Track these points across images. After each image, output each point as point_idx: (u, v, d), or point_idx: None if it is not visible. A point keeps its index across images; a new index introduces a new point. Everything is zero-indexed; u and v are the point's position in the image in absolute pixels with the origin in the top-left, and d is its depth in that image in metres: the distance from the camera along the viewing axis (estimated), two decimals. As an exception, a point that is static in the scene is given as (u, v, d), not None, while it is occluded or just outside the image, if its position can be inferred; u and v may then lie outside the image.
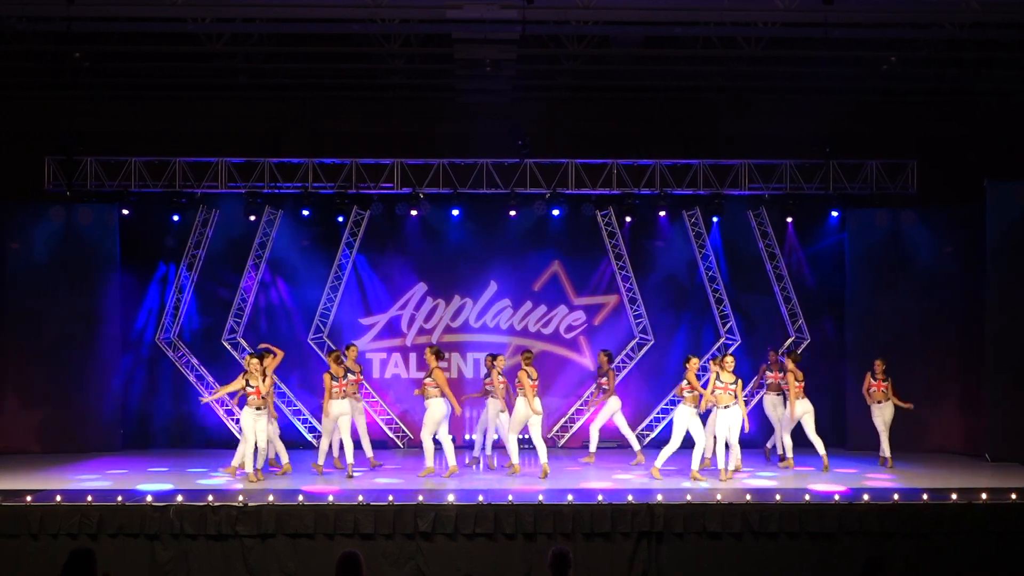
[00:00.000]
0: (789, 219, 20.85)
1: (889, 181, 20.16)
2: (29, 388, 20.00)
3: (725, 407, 16.31)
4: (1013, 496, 14.05)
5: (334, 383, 16.78)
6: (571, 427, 21.11)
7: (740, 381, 16.46)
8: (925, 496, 13.98)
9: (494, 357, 17.95)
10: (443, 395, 16.51)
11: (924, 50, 18.16)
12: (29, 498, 13.75)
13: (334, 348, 18.78)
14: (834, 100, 20.41)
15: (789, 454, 17.69)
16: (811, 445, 17.49)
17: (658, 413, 20.99)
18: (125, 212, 20.24)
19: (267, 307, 21.25)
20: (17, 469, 17.36)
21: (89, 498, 13.65)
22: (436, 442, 16.79)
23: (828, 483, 15.82)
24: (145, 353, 20.96)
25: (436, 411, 16.54)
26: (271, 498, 13.61)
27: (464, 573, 13.09)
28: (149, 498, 13.59)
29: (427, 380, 16.61)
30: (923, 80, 19.99)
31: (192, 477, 16.61)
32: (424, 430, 16.71)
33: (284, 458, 17.03)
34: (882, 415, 17.95)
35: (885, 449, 17.94)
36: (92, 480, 16.40)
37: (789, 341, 20.70)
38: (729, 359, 16.47)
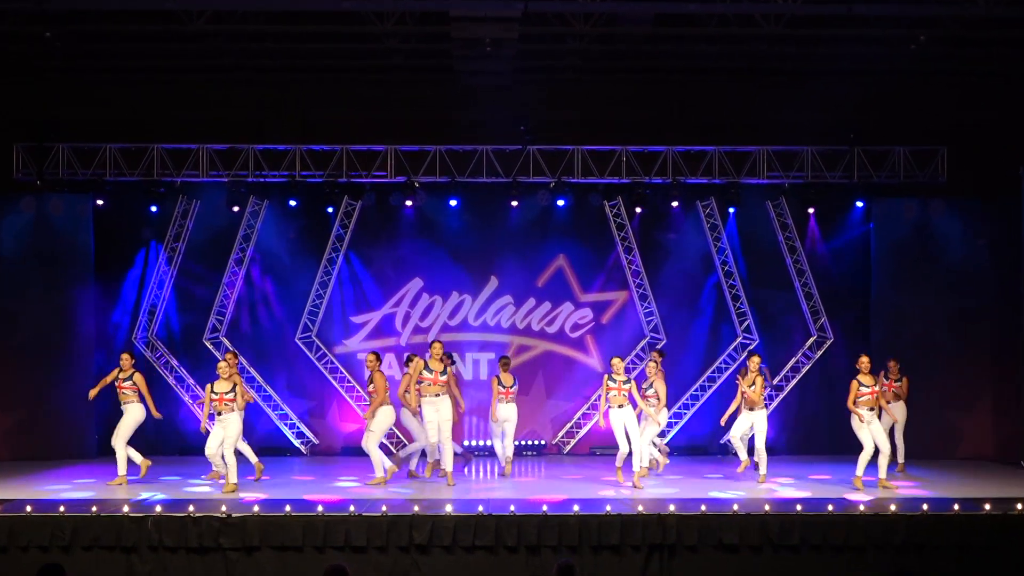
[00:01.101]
0: (811, 210, 20.82)
1: (917, 169, 20.13)
2: (-1, 390, 20.01)
3: (750, 409, 17.07)
4: (1051, 506, 14.02)
5: (213, 395, 16.64)
6: (577, 432, 21.10)
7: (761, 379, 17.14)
8: (956, 506, 13.93)
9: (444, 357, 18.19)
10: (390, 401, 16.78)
11: (955, 28, 18.11)
12: (-3, 508, 13.75)
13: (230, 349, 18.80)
14: (859, 83, 20.34)
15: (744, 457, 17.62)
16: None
17: (671, 417, 20.93)
18: (100, 202, 20.23)
19: (251, 304, 21.24)
20: (-16, 477, 17.37)
21: (62, 508, 13.61)
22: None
23: (853, 492, 15.79)
24: (133, 353, 20.89)
25: (383, 419, 16.71)
26: (256, 508, 13.58)
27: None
28: (126, 508, 13.56)
29: (369, 388, 16.76)
30: (954, 61, 19.94)
31: (170, 486, 16.55)
32: (371, 438, 16.69)
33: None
34: (891, 416, 17.98)
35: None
36: (64, 489, 16.36)
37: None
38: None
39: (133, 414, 16.85)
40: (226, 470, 15.95)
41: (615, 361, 16.70)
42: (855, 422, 16.24)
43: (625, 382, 16.45)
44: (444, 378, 16.38)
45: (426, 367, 16.34)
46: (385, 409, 16.68)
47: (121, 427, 16.81)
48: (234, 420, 15.97)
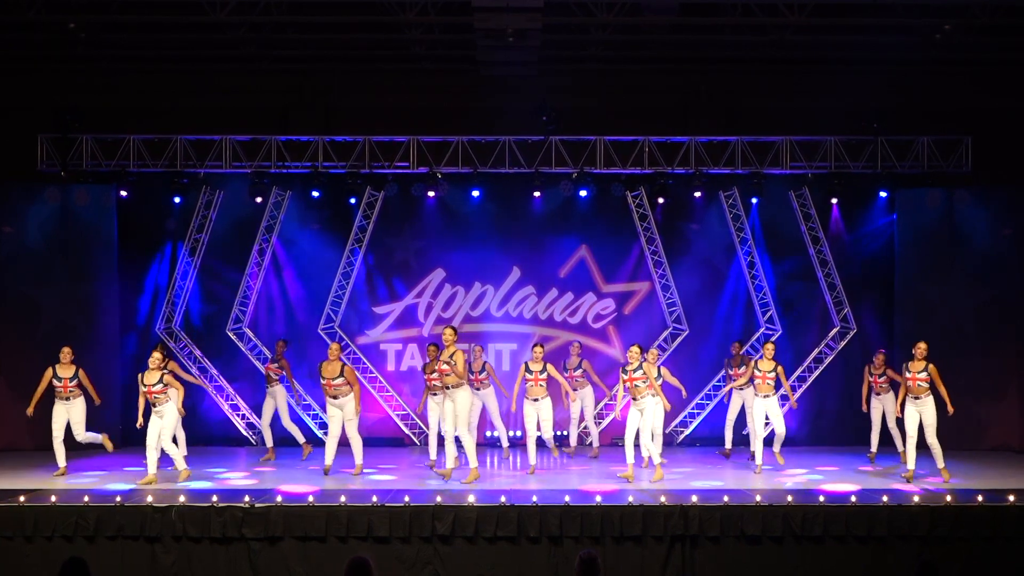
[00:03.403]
0: (834, 200, 20.75)
1: (942, 159, 20.04)
2: (22, 380, 19.98)
3: (764, 396, 17.27)
4: (1076, 498, 13.98)
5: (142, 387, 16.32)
6: (600, 423, 21.07)
7: (781, 368, 17.40)
8: (980, 497, 13.91)
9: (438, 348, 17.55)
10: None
11: (981, 16, 18.03)
12: (22, 498, 13.83)
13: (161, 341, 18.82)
14: (883, 72, 20.29)
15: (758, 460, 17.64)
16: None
17: (693, 408, 20.94)
18: (123, 193, 20.29)
19: (275, 295, 21.28)
20: (9, 467, 17.50)
21: (86, 498, 13.72)
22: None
23: (876, 483, 15.78)
24: (145, 344, 20.98)
25: (352, 408, 16.85)
26: (279, 499, 13.65)
27: (485, 579, 13.15)
28: (150, 498, 13.64)
29: (337, 380, 16.72)
30: (979, 50, 19.84)
31: (195, 475, 16.63)
32: (355, 424, 16.89)
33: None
34: (882, 407, 18.00)
35: (874, 443, 18.30)
36: (89, 479, 16.48)
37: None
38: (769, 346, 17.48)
39: (82, 409, 17.01)
40: (174, 459, 16.16)
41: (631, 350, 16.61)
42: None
43: (636, 370, 16.35)
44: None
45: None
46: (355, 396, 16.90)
47: (76, 427, 16.97)
48: (170, 410, 16.11)
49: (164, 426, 16.03)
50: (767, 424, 17.86)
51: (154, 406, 16.05)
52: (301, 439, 18.69)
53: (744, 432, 19.39)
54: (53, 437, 16.95)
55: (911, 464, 16.25)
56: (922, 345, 16.29)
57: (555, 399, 17.96)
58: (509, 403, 18.16)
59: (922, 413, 16.26)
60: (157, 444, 15.97)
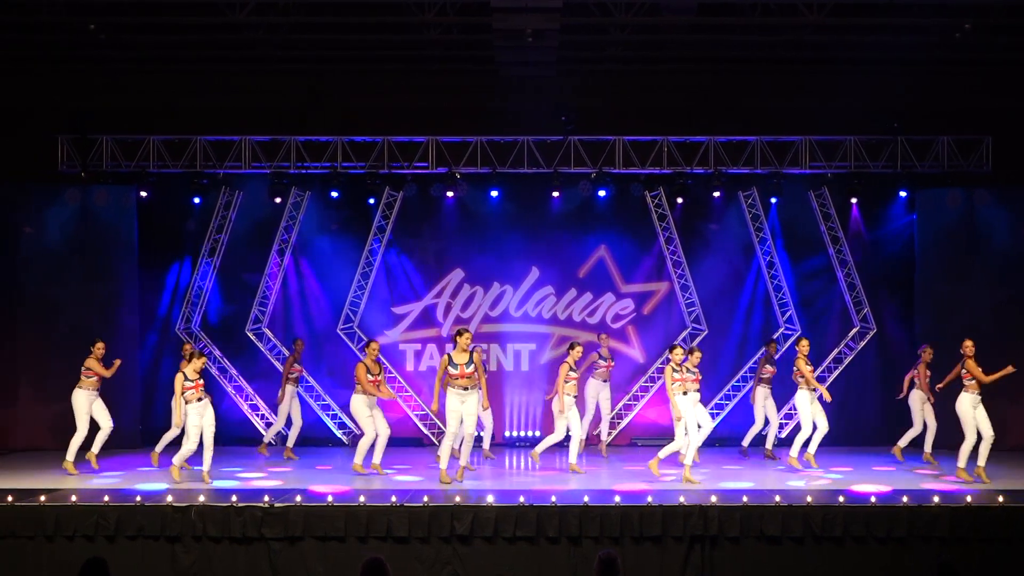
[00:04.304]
0: (854, 200, 20.70)
1: (962, 158, 19.98)
2: (43, 381, 20.12)
3: (813, 390, 17.41)
4: (1098, 498, 13.90)
5: (187, 383, 16.04)
6: (619, 423, 21.06)
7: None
8: (1001, 498, 13.84)
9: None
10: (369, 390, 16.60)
11: (1001, 16, 17.97)
12: (43, 498, 13.84)
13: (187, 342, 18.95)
14: (903, 72, 20.20)
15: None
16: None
17: (712, 408, 20.88)
18: (143, 194, 20.33)
19: (294, 295, 21.31)
20: (31, 467, 17.56)
21: (106, 498, 13.72)
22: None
23: (897, 482, 15.73)
24: (165, 344, 21.06)
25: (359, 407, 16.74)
26: (299, 499, 13.66)
27: (504, 579, 13.13)
28: (170, 498, 13.66)
29: (381, 377, 16.78)
30: (999, 49, 19.75)
31: (214, 475, 16.66)
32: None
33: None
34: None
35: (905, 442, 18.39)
36: (110, 479, 16.51)
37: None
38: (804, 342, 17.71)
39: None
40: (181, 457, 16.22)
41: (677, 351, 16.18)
42: (964, 408, 16.27)
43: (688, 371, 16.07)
44: (470, 370, 15.88)
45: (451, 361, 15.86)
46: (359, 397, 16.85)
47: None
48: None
49: (210, 422, 16.16)
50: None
51: (199, 400, 16.01)
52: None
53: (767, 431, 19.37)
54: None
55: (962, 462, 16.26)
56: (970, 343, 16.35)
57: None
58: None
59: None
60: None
